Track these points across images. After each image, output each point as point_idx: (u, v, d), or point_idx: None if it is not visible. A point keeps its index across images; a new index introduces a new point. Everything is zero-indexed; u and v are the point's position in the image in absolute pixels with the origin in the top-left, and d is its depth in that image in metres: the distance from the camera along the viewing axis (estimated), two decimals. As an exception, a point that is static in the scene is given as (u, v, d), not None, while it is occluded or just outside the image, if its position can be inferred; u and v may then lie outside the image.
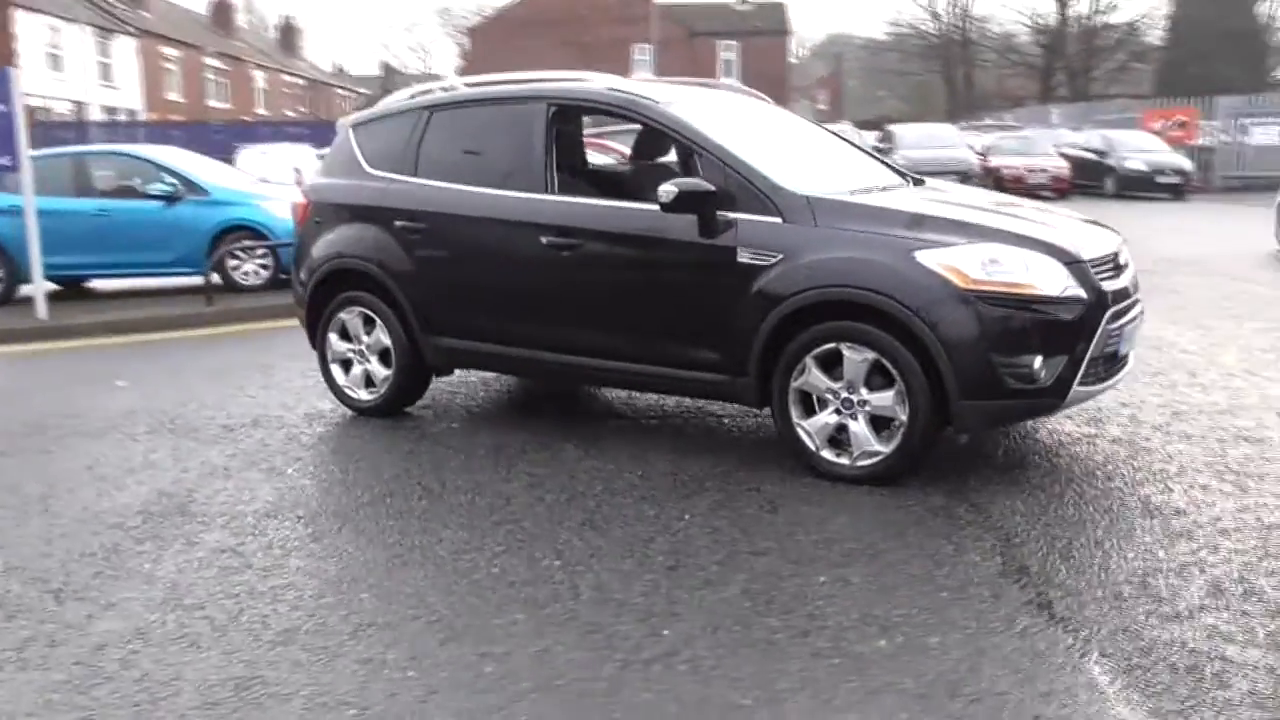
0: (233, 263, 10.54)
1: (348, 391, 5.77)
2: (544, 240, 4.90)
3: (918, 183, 5.30)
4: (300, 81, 59.15)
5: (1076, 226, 4.60)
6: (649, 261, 4.71)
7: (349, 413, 5.81)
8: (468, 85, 5.62)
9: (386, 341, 5.55)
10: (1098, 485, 4.26)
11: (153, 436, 5.51)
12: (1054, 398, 4.15)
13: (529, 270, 5.00)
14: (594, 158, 6.82)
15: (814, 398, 4.40)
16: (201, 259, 10.30)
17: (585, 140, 6.36)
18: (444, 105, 5.47)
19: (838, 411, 4.33)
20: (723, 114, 5.10)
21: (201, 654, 3.06)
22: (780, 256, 4.33)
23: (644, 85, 5.29)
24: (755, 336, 4.40)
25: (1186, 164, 23.66)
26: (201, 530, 4.07)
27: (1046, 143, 24.50)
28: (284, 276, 10.65)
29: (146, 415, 5.97)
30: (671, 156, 6.05)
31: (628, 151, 6.82)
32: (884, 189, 4.87)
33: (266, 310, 9.70)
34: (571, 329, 4.97)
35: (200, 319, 9.48)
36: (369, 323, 5.62)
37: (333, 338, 5.76)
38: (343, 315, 5.69)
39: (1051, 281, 4.09)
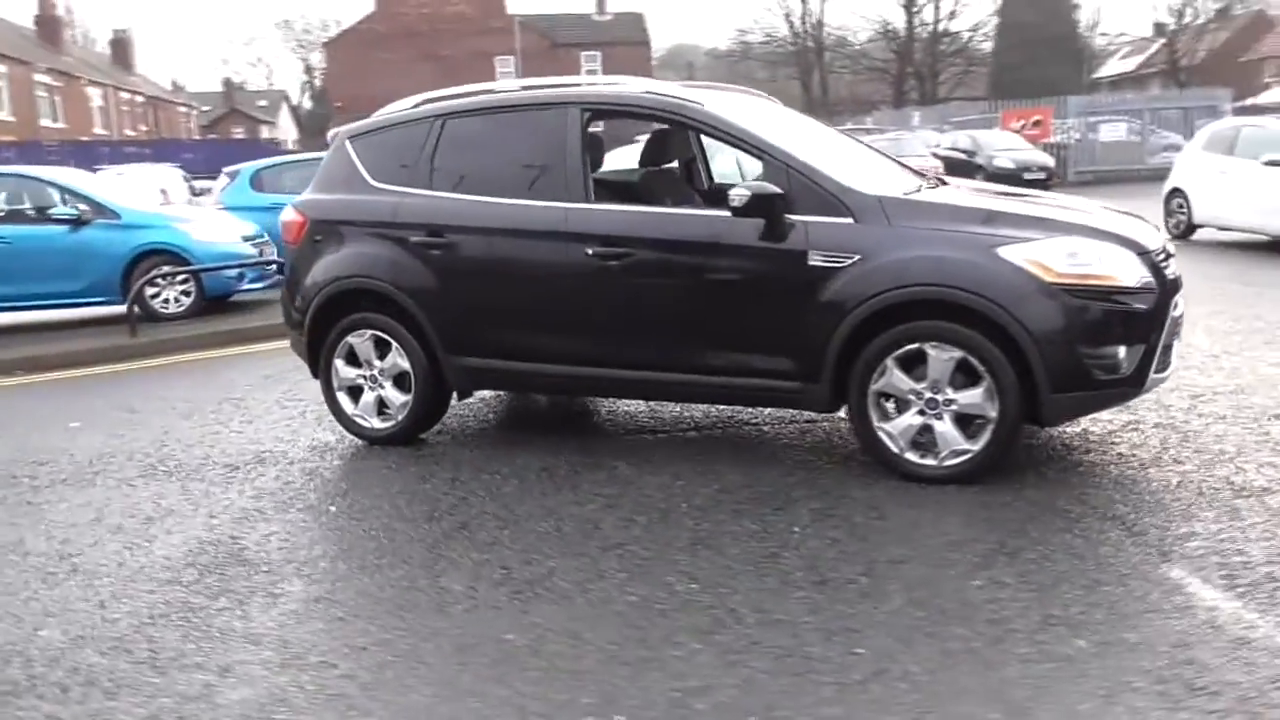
0: (150, 290, 9.82)
1: (359, 421, 5.42)
2: (589, 251, 4.70)
3: (942, 182, 5.32)
4: (139, 98, 56.18)
5: (1126, 219, 4.69)
6: (711, 268, 4.57)
7: (358, 442, 5.46)
8: (477, 93, 5.35)
9: (404, 365, 5.24)
10: (1172, 469, 4.35)
11: (151, 481, 5.04)
12: (1134, 386, 4.21)
13: (571, 283, 4.78)
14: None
15: (893, 400, 4.35)
16: (115, 287, 9.58)
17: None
18: (459, 114, 5.20)
19: (921, 412, 4.28)
20: (760, 116, 5.00)
21: (367, 716, 2.77)
22: (857, 257, 4.27)
23: (680, 87, 5.15)
24: (830, 340, 4.32)
25: (1050, 160, 24.91)
26: (276, 580, 3.71)
27: (918, 144, 25.37)
28: (208, 302, 10.05)
29: (127, 458, 5.47)
30: (679, 162, 5.95)
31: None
32: (931, 188, 4.87)
33: (195, 340, 9.11)
34: (621, 342, 4.78)
35: (125, 352, 8.80)
36: (382, 346, 5.29)
37: (339, 364, 5.40)
38: (351, 339, 5.34)
39: (1129, 272, 4.15)
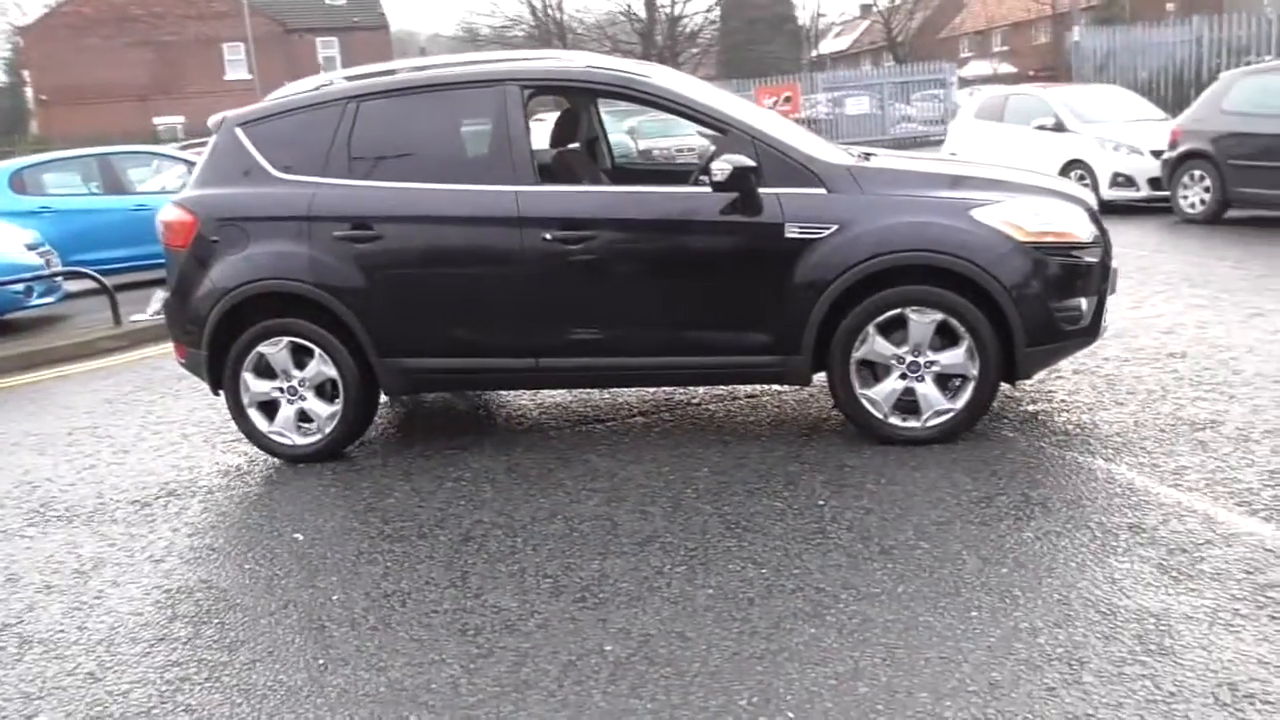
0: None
1: (275, 438, 4.90)
2: (547, 236, 4.45)
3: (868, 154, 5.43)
4: None
5: (1059, 179, 4.95)
6: (682, 247, 4.45)
7: (273, 462, 4.95)
8: (394, 72, 4.94)
9: (330, 372, 4.78)
10: (1120, 411, 4.66)
11: (47, 528, 4.35)
12: (1092, 335, 4.47)
13: (527, 270, 4.51)
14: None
15: (873, 366, 4.40)
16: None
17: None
18: (375, 95, 4.76)
19: (904, 376, 4.36)
20: (699, 88, 4.90)
21: (514, 757, 2.49)
22: (835, 227, 4.27)
23: (621, 61, 4.95)
24: (811, 312, 4.31)
25: (806, 136, 26.10)
26: (295, 623, 3.28)
27: (686, 124, 25.92)
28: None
29: (-4, 507, 4.69)
30: (585, 140, 5.76)
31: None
32: (875, 155, 4.95)
33: (-10, 365, 7.96)
34: (587, 330, 4.56)
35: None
36: (301, 354, 4.80)
37: (248, 378, 4.85)
38: (263, 349, 4.81)
39: (1083, 228, 4.39)
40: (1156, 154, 11.48)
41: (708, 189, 4.35)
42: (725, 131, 4.46)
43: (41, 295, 9.13)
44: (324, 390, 4.84)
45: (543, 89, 4.73)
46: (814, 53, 62.53)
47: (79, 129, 35.07)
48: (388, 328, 4.69)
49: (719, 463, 4.39)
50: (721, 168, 4.19)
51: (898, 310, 4.29)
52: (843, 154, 4.72)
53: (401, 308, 4.67)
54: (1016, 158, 12.96)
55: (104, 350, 8.33)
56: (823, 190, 4.33)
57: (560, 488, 4.26)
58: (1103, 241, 4.47)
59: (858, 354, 4.36)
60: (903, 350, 4.33)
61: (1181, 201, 10.94)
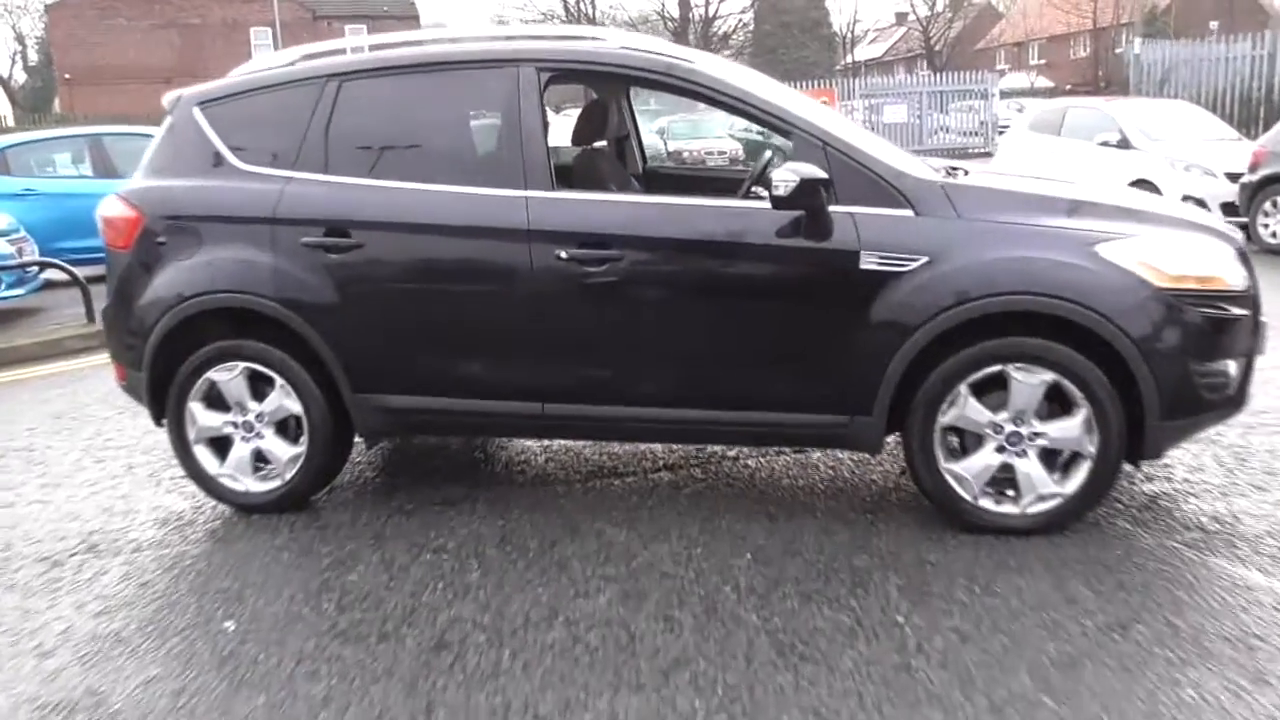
0: None
1: (226, 483, 4.05)
2: (562, 254, 3.59)
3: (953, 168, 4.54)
4: None
5: (1195, 209, 4.04)
6: (729, 276, 3.57)
7: (223, 510, 4.11)
8: (384, 47, 4.08)
9: (294, 407, 3.94)
10: (1260, 498, 3.76)
11: (-70, 593, 3.51)
12: (1237, 406, 3.57)
13: (534, 296, 3.66)
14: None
15: (963, 435, 3.52)
16: None
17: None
18: (361, 73, 3.91)
19: (1001, 449, 3.47)
20: (752, 79, 4.01)
21: None
22: (923, 259, 3.38)
23: (661, 43, 4.08)
24: (888, 363, 3.43)
25: (841, 143, 25.17)
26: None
27: (719, 125, 25.08)
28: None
29: (-118, 554, 3.86)
30: (620, 139, 4.90)
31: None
32: (965, 170, 4.05)
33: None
34: (603, 372, 3.70)
35: None
36: (260, 383, 3.96)
37: (196, 408, 4.01)
38: (215, 375, 3.96)
39: (1233, 272, 3.49)
40: (1232, 177, 10.53)
41: (763, 204, 3.49)
42: (788, 133, 3.58)
43: (11, 286, 8.33)
44: (286, 428, 4.00)
45: (565, 73, 3.86)
46: (848, 59, 61.55)
47: (102, 109, 34.43)
48: (364, 357, 3.85)
49: (764, 547, 3.51)
50: (785, 179, 3.31)
51: (998, 367, 3.40)
52: (930, 168, 3.83)
53: (382, 333, 3.82)
54: (1075, 176, 12.04)
55: (71, 350, 7.52)
56: (910, 212, 3.45)
57: (565, 571, 3.39)
58: (1254, 289, 3.57)
59: (944, 419, 3.47)
60: (1001, 417, 3.44)
61: (1262, 230, 9.99)
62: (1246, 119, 14.41)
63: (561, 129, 5.40)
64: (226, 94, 4.07)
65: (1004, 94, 35.33)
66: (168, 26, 42.88)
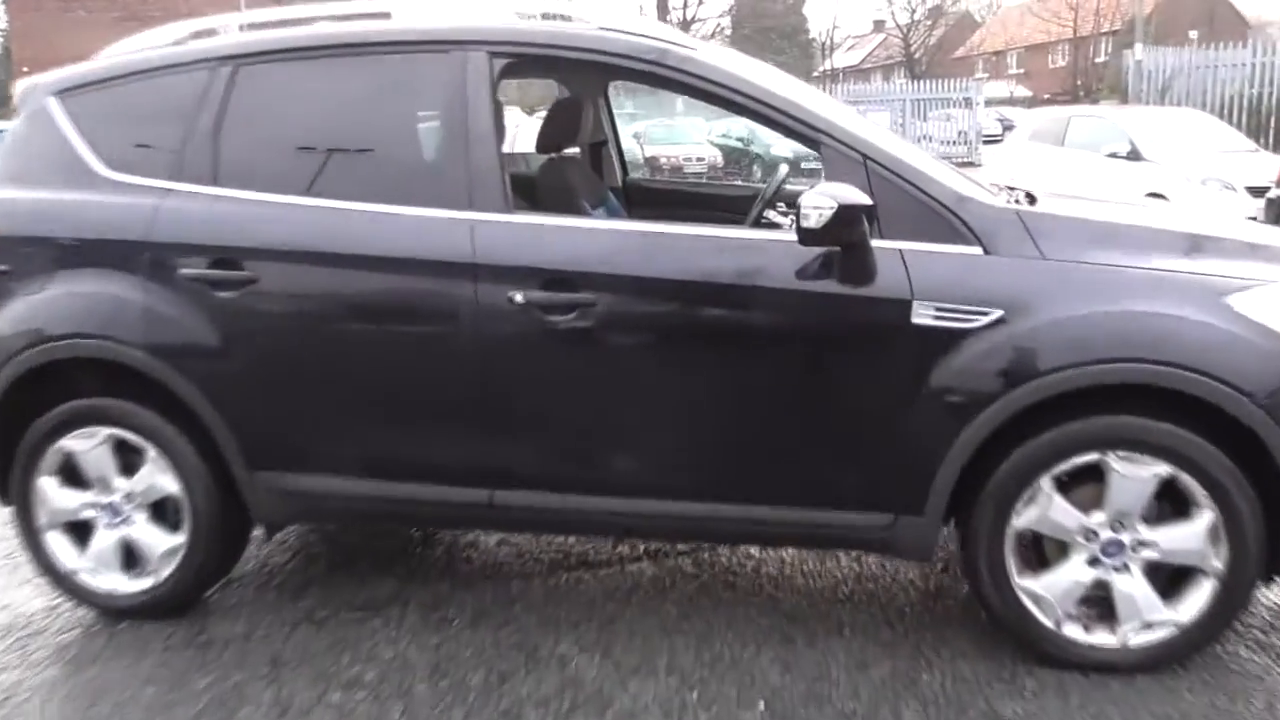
0: None
1: (85, 579, 3.16)
2: (517, 297, 2.72)
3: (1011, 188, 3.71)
4: None
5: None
6: (739, 328, 2.72)
7: (86, 615, 3.21)
8: (295, 23, 3.18)
9: (171, 486, 3.05)
10: None
11: None
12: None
13: (480, 350, 2.79)
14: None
15: (1043, 543, 2.69)
16: None
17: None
18: (264, 56, 3.02)
19: (1094, 561, 2.64)
20: (767, 74, 3.16)
21: None
22: (997, 314, 2.54)
23: (650, 24, 3.21)
24: (947, 447, 2.59)
25: (825, 150, 24.47)
26: None
27: (697, 131, 24.28)
28: None
29: None
30: (591, 146, 4.04)
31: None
32: (1044, 195, 3.21)
33: None
34: (570, 451, 2.84)
35: None
36: (129, 453, 3.06)
37: (47, 485, 3.12)
38: (71, 444, 3.07)
39: None
40: (1255, 191, 9.81)
41: (781, 234, 2.66)
42: (818, 143, 2.72)
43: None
44: (163, 512, 3.11)
45: (526, 60, 2.98)
46: (826, 65, 60.99)
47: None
48: (262, 424, 2.97)
49: (780, 689, 2.66)
50: (818, 205, 2.46)
51: (1093, 455, 2.57)
52: (991, 190, 3.00)
53: (284, 395, 2.95)
54: (1079, 188, 11.30)
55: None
56: (977, 250, 2.61)
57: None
58: None
59: (1020, 521, 2.64)
60: (1096, 520, 2.61)
61: (1289, 251, 9.25)
62: (1256, 128, 13.74)
63: (531, 134, 4.55)
64: (91, 81, 3.17)
65: (987, 102, 34.78)
66: (130, 19, 41.29)
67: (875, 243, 2.58)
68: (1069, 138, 11.81)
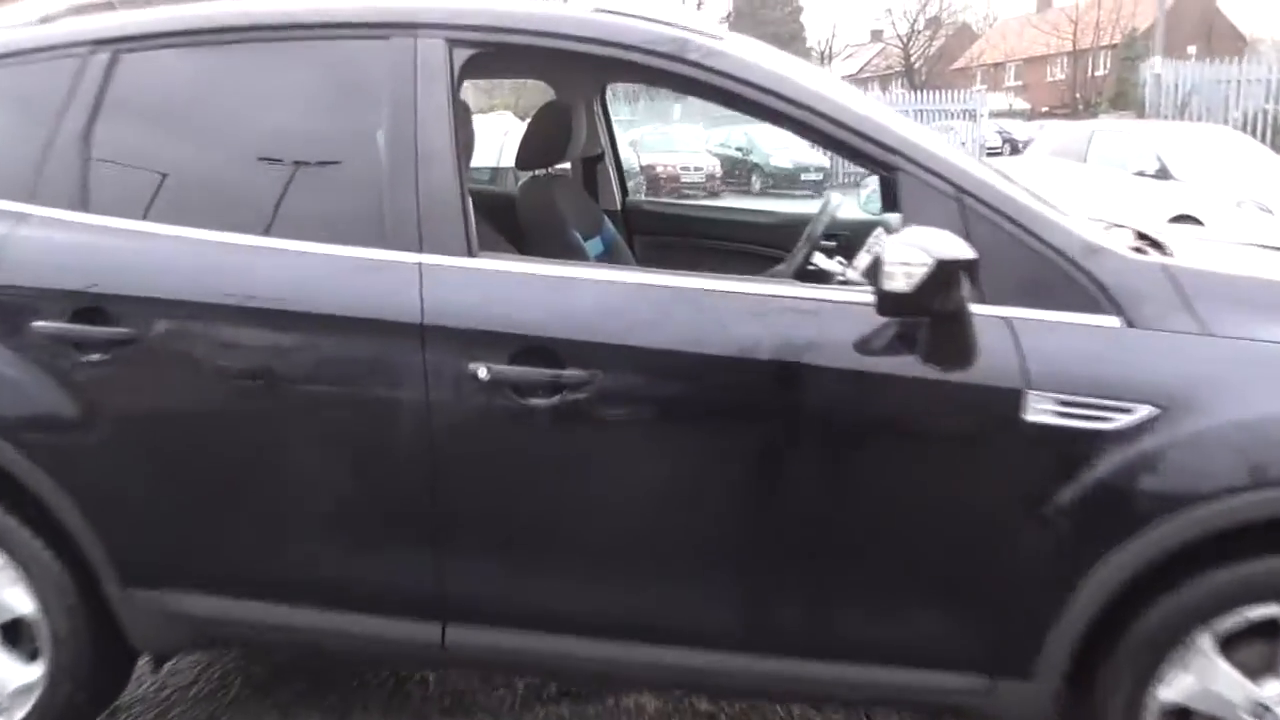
0: None
1: (-86, 720, 2.41)
2: (481, 372, 1.98)
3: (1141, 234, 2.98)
4: None
5: None
6: (780, 423, 1.98)
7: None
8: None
9: (22, 605, 2.31)
10: None
11: None
12: None
13: (433, 440, 2.05)
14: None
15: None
16: None
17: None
18: (150, 39, 2.28)
19: (1268, 749, 1.92)
20: (824, 80, 2.43)
21: None
22: (1146, 410, 1.82)
23: (664, 7, 2.48)
24: (1071, 589, 1.88)
25: (825, 161, 23.85)
26: None
27: (695, 139, 23.58)
28: None
29: None
30: (585, 162, 3.31)
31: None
32: (1178, 240, 2.49)
33: None
34: (550, 578, 2.11)
35: None
36: (-32, 562, 2.32)
37: None
38: (-110, 547, 2.32)
39: None
40: (1294, 215, 9.14)
41: (845, 292, 1.94)
42: (893, 169, 1.99)
43: None
44: (16, 636, 2.36)
45: (498, 49, 2.23)
46: (824, 74, 60.42)
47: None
48: (140, 529, 2.24)
49: None
50: (908, 261, 1.73)
51: (1268, 608, 1.85)
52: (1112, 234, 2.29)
53: (168, 491, 2.21)
54: (1105, 209, 10.61)
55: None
56: (1116, 320, 1.89)
57: None
58: None
59: (1168, 691, 1.92)
60: (1273, 692, 1.89)
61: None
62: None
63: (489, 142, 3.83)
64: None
65: (991, 115, 34.16)
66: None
67: (975, 308, 1.86)
68: (1092, 154, 11.13)
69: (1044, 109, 45.40)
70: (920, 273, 1.71)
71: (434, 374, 2.01)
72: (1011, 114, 43.00)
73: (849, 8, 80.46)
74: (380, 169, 2.11)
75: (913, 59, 52.62)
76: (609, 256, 3.20)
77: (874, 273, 1.77)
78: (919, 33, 53.24)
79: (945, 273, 1.73)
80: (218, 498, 2.18)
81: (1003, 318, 1.89)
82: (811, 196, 22.43)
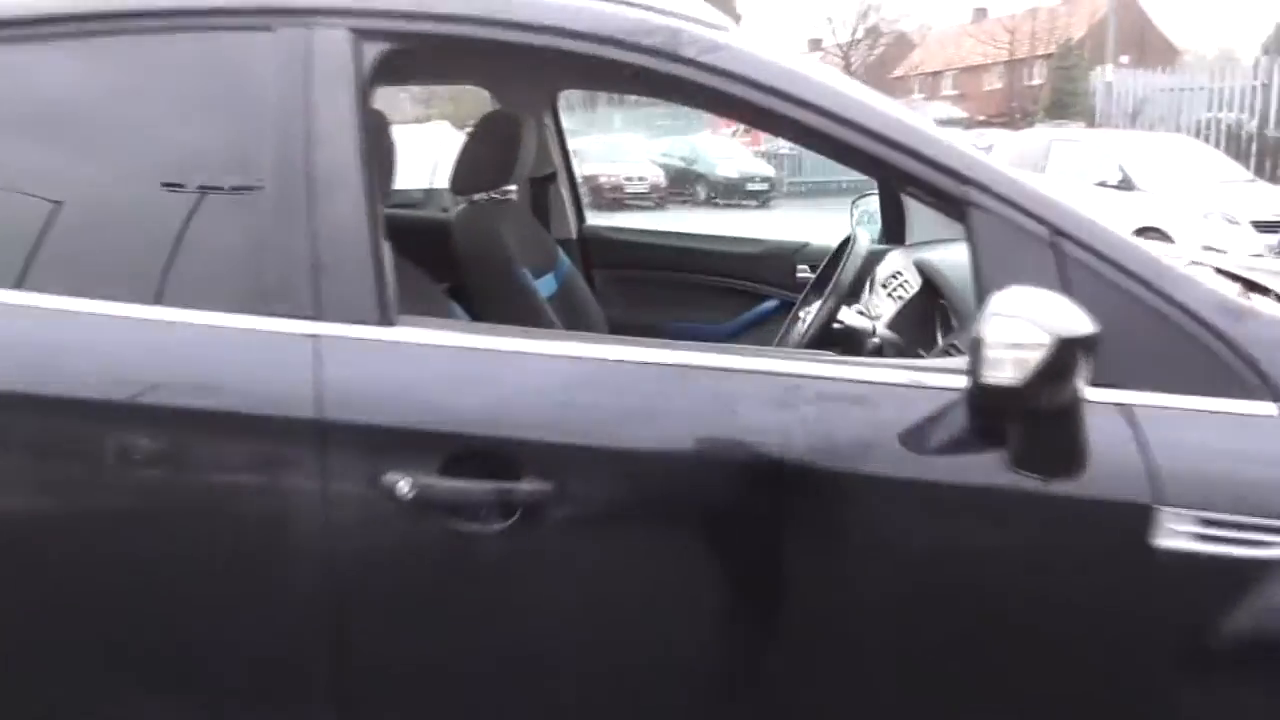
0: None
1: None
2: (403, 485, 1.42)
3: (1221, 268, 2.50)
4: None
5: None
6: (817, 549, 1.45)
7: None
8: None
9: None
10: None
11: None
12: None
13: (343, 576, 1.48)
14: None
15: None
16: None
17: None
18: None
19: None
20: (841, 80, 1.91)
21: None
22: (1325, 537, 1.32)
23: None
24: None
25: (770, 170, 23.62)
26: None
27: (638, 149, 23.13)
28: None
29: None
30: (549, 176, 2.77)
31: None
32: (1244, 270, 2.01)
33: None
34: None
35: None
36: None
37: None
38: None
39: None
40: (1261, 226, 8.89)
41: (903, 371, 1.41)
42: (964, 203, 1.47)
43: None
44: None
45: (420, 41, 1.66)
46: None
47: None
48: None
49: None
50: (1018, 344, 1.20)
51: None
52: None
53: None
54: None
55: None
56: (1272, 406, 1.38)
57: None
58: None
59: None
60: None
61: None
62: (1236, 155, 12.94)
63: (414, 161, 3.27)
64: None
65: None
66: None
67: (1095, 396, 1.34)
68: (1050, 164, 10.83)
69: (981, 118, 45.79)
70: (1036, 357, 1.19)
71: (336, 490, 1.45)
72: (950, 123, 43.31)
73: (787, 16, 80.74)
74: (259, 204, 1.54)
75: (853, 68, 52.85)
76: (564, 297, 2.66)
77: (973, 355, 1.23)
78: (858, 41, 53.53)
79: (1065, 357, 1.21)
80: (50, 643, 1.59)
81: (1120, 405, 1.38)
82: (758, 207, 22.09)
